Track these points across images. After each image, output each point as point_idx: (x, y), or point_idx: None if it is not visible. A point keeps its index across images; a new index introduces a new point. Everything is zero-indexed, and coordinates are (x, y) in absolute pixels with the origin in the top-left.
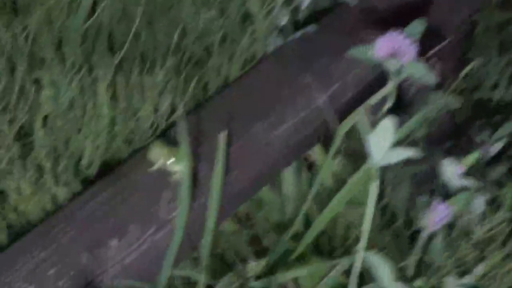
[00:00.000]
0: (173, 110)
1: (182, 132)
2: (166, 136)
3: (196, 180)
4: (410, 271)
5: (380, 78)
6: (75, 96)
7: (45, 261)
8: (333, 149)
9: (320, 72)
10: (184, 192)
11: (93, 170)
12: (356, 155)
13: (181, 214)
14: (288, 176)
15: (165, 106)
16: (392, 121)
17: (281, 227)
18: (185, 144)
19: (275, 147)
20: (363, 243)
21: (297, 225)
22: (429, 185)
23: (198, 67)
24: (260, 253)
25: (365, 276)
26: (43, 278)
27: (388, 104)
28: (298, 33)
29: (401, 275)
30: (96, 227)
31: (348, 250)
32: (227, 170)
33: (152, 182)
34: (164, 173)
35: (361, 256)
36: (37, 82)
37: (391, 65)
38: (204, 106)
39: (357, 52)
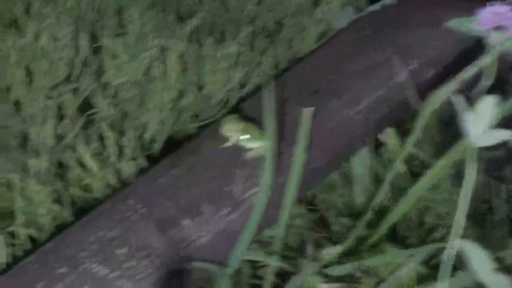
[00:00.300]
0: (242, 84)
1: (267, 107)
2: (238, 111)
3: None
4: (509, 261)
5: (464, 54)
6: (143, 67)
7: (114, 240)
8: (417, 129)
9: (400, 47)
10: (267, 170)
11: (158, 145)
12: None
13: (262, 193)
14: (357, 158)
15: (236, 79)
16: (493, 100)
17: (351, 212)
18: (270, 120)
19: (351, 125)
20: (457, 230)
21: (371, 211)
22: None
23: (270, 40)
24: (326, 238)
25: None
26: (112, 257)
27: (487, 81)
28: (376, 6)
29: (500, 266)
30: (167, 206)
31: (423, 239)
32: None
33: (225, 159)
34: (237, 150)
35: (456, 244)
36: (98, 51)
37: (494, 38)
38: (276, 81)
39: (455, 23)
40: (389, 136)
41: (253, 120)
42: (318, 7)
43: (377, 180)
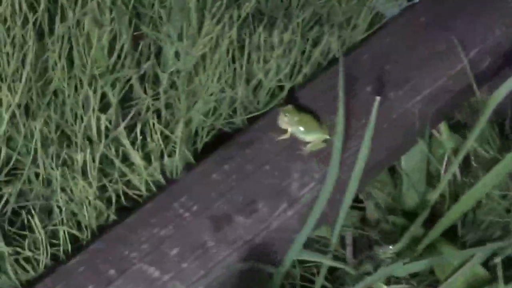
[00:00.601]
0: (292, 74)
1: (339, 98)
2: (291, 101)
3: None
4: None
5: None
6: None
7: (166, 239)
8: (481, 123)
9: (459, 34)
10: (332, 167)
11: (207, 139)
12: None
13: (324, 192)
14: (409, 155)
15: (287, 68)
16: None
17: (402, 209)
18: (341, 112)
19: (410, 117)
20: None
21: (427, 209)
22: None
23: (321, 28)
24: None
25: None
26: (165, 258)
27: None
28: None
29: None
30: (220, 202)
31: (482, 239)
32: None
33: (281, 152)
34: (294, 143)
35: None
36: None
37: None
38: (330, 71)
39: None
40: (442, 129)
41: (309, 110)
42: None
43: (430, 176)
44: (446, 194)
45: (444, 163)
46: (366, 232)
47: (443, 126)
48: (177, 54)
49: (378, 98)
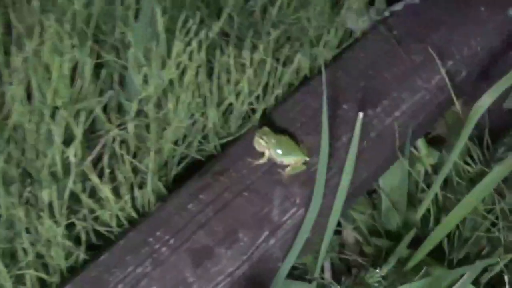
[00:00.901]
0: (264, 95)
1: (322, 120)
2: (266, 123)
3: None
4: None
5: (495, 52)
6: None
7: (144, 278)
8: (463, 137)
9: (433, 47)
10: (317, 192)
11: (179, 168)
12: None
13: (309, 217)
14: (387, 174)
15: (259, 89)
16: None
17: (384, 230)
18: (325, 132)
19: (389, 134)
20: None
21: (413, 230)
22: None
23: (292, 46)
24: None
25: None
26: None
27: None
28: (398, 5)
29: None
30: (199, 235)
31: (469, 255)
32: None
33: (258, 178)
34: (271, 167)
35: None
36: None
37: None
38: (300, 91)
39: None
40: (420, 145)
41: (285, 132)
42: (339, 11)
43: (409, 195)
44: (431, 212)
45: (421, 180)
46: (346, 256)
47: (420, 142)
48: (145, 80)
49: (361, 114)
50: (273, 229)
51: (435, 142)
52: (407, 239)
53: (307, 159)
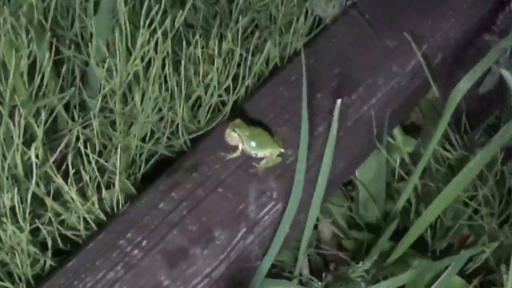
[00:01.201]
0: (234, 87)
1: (302, 111)
2: (239, 115)
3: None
4: None
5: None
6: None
7: (116, 283)
8: (442, 125)
9: (406, 31)
10: (297, 185)
11: (148, 166)
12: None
13: (289, 211)
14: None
15: (228, 80)
16: None
17: (364, 223)
18: (305, 123)
19: (366, 123)
20: None
21: (395, 221)
22: None
23: (260, 35)
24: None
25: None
26: None
27: None
28: None
29: None
30: (172, 235)
31: (451, 245)
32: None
33: (232, 173)
34: (245, 161)
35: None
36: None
37: None
38: (271, 81)
39: None
40: (397, 133)
41: (258, 124)
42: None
43: (387, 185)
44: (412, 203)
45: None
46: (323, 251)
47: (397, 130)
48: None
49: (339, 101)
50: (251, 226)
51: (410, 130)
52: (389, 231)
53: (283, 150)
